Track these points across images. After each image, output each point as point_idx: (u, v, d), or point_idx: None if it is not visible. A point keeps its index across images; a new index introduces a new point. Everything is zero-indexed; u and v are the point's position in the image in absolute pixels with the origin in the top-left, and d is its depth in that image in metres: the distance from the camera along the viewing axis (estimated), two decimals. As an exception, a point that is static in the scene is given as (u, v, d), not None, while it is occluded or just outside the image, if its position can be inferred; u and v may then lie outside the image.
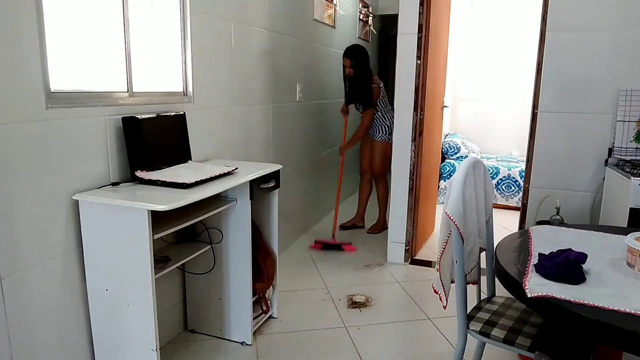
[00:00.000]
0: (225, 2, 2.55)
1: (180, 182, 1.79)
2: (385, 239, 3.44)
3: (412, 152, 3.26)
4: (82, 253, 1.75)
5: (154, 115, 2.00)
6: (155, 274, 1.71)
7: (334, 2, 4.27)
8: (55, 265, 1.68)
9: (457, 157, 5.21)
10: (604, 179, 2.75)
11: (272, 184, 2.33)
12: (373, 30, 5.70)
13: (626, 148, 2.66)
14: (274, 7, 3.11)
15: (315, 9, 3.85)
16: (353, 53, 3.67)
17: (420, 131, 3.30)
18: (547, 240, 1.60)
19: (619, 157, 2.66)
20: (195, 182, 1.82)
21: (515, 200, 4.84)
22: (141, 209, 1.61)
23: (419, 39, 3.11)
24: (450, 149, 5.23)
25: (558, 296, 1.19)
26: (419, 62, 3.14)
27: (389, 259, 3.41)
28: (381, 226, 4.02)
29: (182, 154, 2.16)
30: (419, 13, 3.08)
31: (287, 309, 2.65)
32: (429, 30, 3.18)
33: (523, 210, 3.03)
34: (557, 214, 2.76)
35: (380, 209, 4.06)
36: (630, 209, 2.28)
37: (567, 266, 1.29)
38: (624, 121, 2.66)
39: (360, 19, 5.16)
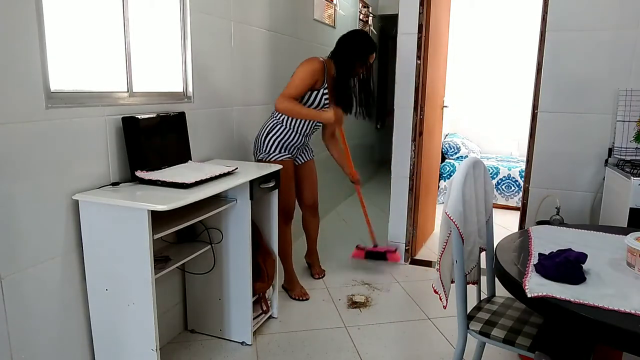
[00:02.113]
0: (225, 2, 2.55)
1: (180, 182, 1.79)
2: (385, 239, 3.44)
3: (412, 152, 3.26)
4: (82, 253, 1.75)
5: (154, 115, 2.00)
6: (155, 274, 1.71)
7: (334, 2, 4.27)
8: (55, 265, 1.68)
9: (457, 157, 5.21)
10: (604, 179, 2.75)
11: (272, 184, 2.33)
12: (373, 30, 5.70)
13: (626, 148, 2.66)
14: (274, 7, 3.11)
15: (315, 9, 3.85)
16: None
17: (420, 131, 3.30)
18: (547, 240, 1.60)
19: (619, 157, 2.66)
20: (195, 182, 1.82)
21: (515, 200, 4.84)
22: (141, 209, 1.61)
23: (419, 39, 3.11)
24: (450, 149, 5.23)
25: (558, 296, 1.19)
26: (419, 62, 3.14)
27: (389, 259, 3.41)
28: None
29: (182, 154, 2.16)
30: (419, 13, 3.08)
31: (287, 309, 2.65)
32: (429, 30, 3.18)
33: (523, 210, 3.03)
34: (557, 214, 2.76)
35: (316, 242, 3.14)
36: (630, 209, 2.28)
37: (567, 266, 1.29)
38: (624, 121, 2.66)
39: (360, 19, 5.16)
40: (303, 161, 2.83)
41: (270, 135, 2.61)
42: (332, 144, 2.99)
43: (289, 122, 2.61)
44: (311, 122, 2.66)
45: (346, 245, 3.67)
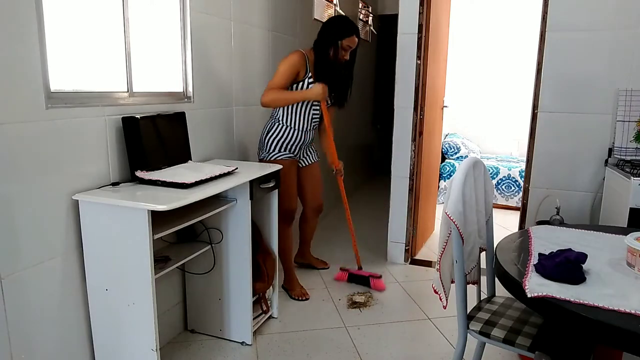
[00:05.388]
0: (225, 2, 2.55)
1: (180, 182, 1.79)
2: (385, 239, 3.44)
3: (412, 152, 3.26)
4: (82, 253, 1.75)
5: (154, 115, 2.00)
6: (155, 274, 1.71)
7: (334, 2, 4.27)
8: (55, 265, 1.68)
9: (457, 157, 5.21)
10: (604, 179, 2.75)
11: (272, 184, 2.33)
12: (373, 30, 5.70)
13: (626, 148, 2.66)
14: (274, 7, 3.11)
15: (315, 9, 3.85)
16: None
17: (420, 131, 3.30)
18: (547, 240, 1.60)
19: (619, 157, 2.66)
20: (195, 182, 1.82)
21: (515, 200, 4.84)
22: (141, 209, 1.61)
23: (419, 39, 3.11)
24: (450, 149, 5.23)
25: (558, 296, 1.19)
26: (419, 62, 3.14)
27: (389, 259, 3.41)
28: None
29: (182, 154, 2.16)
30: (419, 13, 3.08)
31: (287, 309, 2.65)
32: (429, 30, 3.18)
33: (523, 210, 3.03)
34: (557, 214, 2.76)
35: (310, 243, 3.18)
36: (630, 209, 2.28)
37: (567, 266, 1.29)
38: (624, 121, 2.66)
39: (360, 19, 5.16)
40: (308, 163, 2.82)
41: (270, 134, 2.62)
42: (324, 136, 2.91)
43: (287, 119, 2.61)
44: (309, 116, 2.64)
45: (348, 245, 3.67)
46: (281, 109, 2.61)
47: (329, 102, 2.69)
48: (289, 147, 2.64)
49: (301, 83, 2.55)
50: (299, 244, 3.18)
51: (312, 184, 2.86)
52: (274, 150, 2.62)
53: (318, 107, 2.67)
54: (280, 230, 2.55)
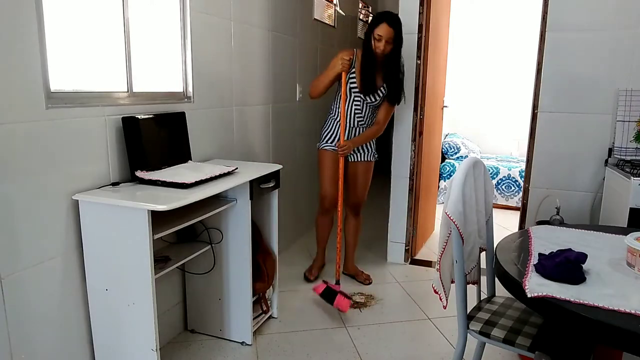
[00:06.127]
0: (225, 2, 2.55)
1: (180, 182, 1.79)
2: (385, 239, 3.43)
3: (412, 152, 3.26)
4: (82, 253, 1.75)
5: (154, 115, 2.00)
6: (155, 274, 1.71)
7: (334, 2, 4.26)
8: (55, 265, 1.68)
9: (457, 157, 5.21)
10: (604, 179, 2.75)
11: (272, 184, 2.33)
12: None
13: (626, 148, 2.66)
14: (274, 7, 3.11)
15: (315, 9, 3.85)
16: (398, 22, 2.63)
17: (420, 131, 3.30)
18: (547, 240, 1.60)
19: (619, 157, 2.66)
20: (195, 182, 1.82)
21: (515, 200, 4.84)
22: (141, 209, 1.61)
23: (419, 39, 3.11)
24: (450, 149, 5.23)
25: (558, 296, 1.19)
26: (419, 62, 3.14)
27: (389, 259, 3.41)
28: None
29: (182, 154, 2.16)
30: (419, 13, 3.08)
31: (287, 309, 2.65)
32: (429, 30, 3.18)
33: (523, 210, 3.03)
34: (557, 214, 2.76)
35: (353, 250, 3.09)
36: (630, 209, 2.28)
37: (567, 266, 1.29)
38: (624, 121, 2.66)
39: (360, 19, 5.16)
40: (355, 160, 2.89)
41: (324, 127, 2.89)
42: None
43: (336, 115, 2.81)
44: (352, 113, 2.76)
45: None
46: (333, 106, 2.83)
47: (374, 98, 2.73)
48: (336, 139, 2.81)
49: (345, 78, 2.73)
50: (345, 250, 3.08)
51: (353, 180, 2.94)
52: (322, 140, 2.87)
53: (359, 105, 2.76)
54: (317, 217, 2.98)
